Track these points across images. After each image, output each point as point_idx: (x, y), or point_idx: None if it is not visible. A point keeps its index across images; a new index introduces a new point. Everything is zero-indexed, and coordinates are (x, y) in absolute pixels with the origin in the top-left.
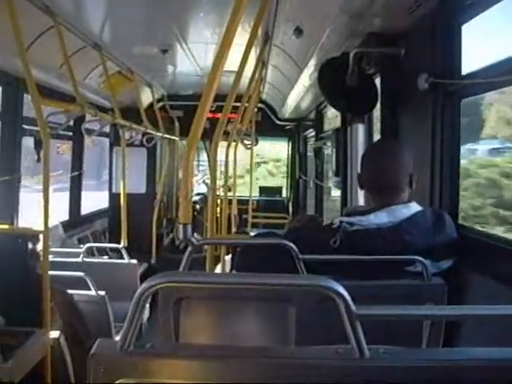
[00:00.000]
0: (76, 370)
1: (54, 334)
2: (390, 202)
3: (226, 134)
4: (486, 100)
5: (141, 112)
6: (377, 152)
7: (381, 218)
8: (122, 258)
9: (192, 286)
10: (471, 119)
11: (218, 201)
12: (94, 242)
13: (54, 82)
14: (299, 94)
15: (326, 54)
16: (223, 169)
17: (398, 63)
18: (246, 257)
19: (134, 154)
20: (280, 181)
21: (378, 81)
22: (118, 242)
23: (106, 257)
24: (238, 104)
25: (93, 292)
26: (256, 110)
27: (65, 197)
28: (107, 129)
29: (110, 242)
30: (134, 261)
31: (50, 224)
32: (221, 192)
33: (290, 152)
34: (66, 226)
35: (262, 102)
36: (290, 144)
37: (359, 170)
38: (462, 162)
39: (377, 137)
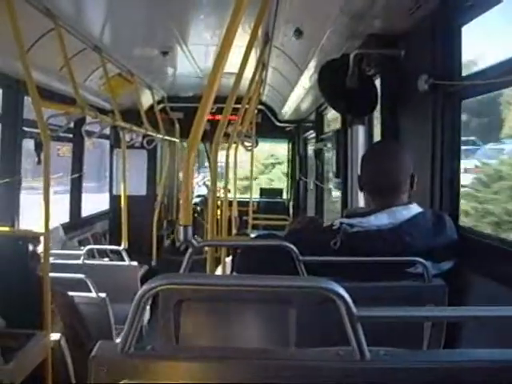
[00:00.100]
0: (77, 372)
1: (55, 336)
2: (390, 203)
3: (227, 135)
4: (504, 99)
5: (141, 114)
6: (377, 153)
7: (381, 219)
8: (122, 259)
9: (192, 287)
10: (490, 119)
11: (219, 202)
12: (95, 244)
13: (55, 84)
14: (299, 95)
15: (326, 55)
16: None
17: (398, 64)
18: (246, 258)
19: (135, 156)
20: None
21: (378, 82)
22: (119, 244)
23: (106, 259)
24: (239, 106)
25: (93, 294)
26: (256, 111)
27: (65, 199)
28: (107, 131)
29: (110, 243)
30: (135, 263)
31: (51, 226)
32: (221, 194)
33: (290, 154)
34: (67, 228)
35: (262, 103)
36: (290, 146)
37: (359, 172)
38: (491, 162)
39: (377, 138)
